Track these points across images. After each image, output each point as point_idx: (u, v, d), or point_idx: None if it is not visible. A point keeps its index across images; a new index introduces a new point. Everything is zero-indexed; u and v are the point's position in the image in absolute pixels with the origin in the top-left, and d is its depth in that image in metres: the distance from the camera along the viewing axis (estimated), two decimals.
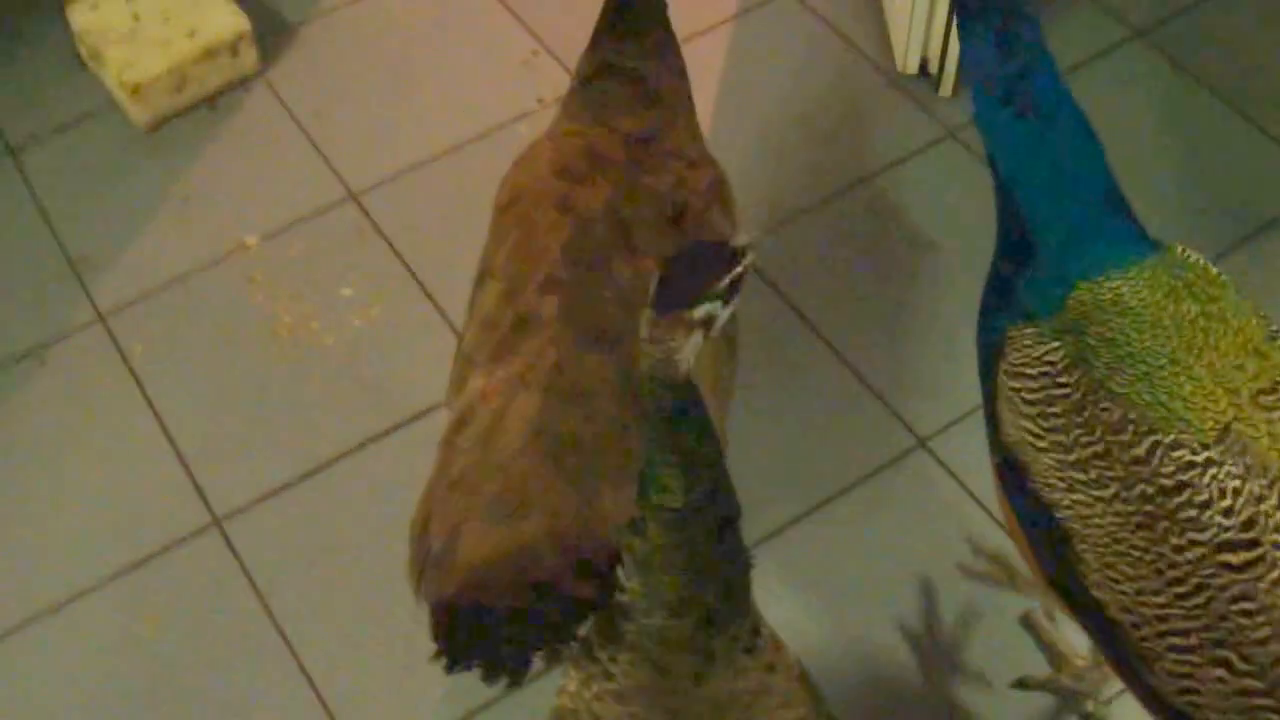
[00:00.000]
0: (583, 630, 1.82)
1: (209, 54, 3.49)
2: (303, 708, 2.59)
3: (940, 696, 2.58)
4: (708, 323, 1.44)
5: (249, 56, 3.55)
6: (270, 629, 2.67)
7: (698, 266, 1.44)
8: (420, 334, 3.07)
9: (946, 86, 3.45)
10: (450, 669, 1.85)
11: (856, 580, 2.71)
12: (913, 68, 3.48)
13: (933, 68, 3.46)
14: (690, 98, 2.42)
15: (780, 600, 2.66)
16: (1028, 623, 2.63)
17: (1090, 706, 2.54)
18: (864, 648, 2.63)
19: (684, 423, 1.51)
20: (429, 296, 3.14)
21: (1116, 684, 2.39)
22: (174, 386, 3.02)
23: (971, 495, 2.78)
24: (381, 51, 3.65)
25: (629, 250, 2.10)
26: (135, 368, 3.05)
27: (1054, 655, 2.58)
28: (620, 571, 1.66)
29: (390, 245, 3.24)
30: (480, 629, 1.82)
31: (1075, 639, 2.49)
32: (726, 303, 1.46)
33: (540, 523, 1.84)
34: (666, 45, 2.39)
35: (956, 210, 3.25)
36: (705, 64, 3.52)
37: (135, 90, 3.41)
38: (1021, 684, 2.54)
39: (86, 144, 3.47)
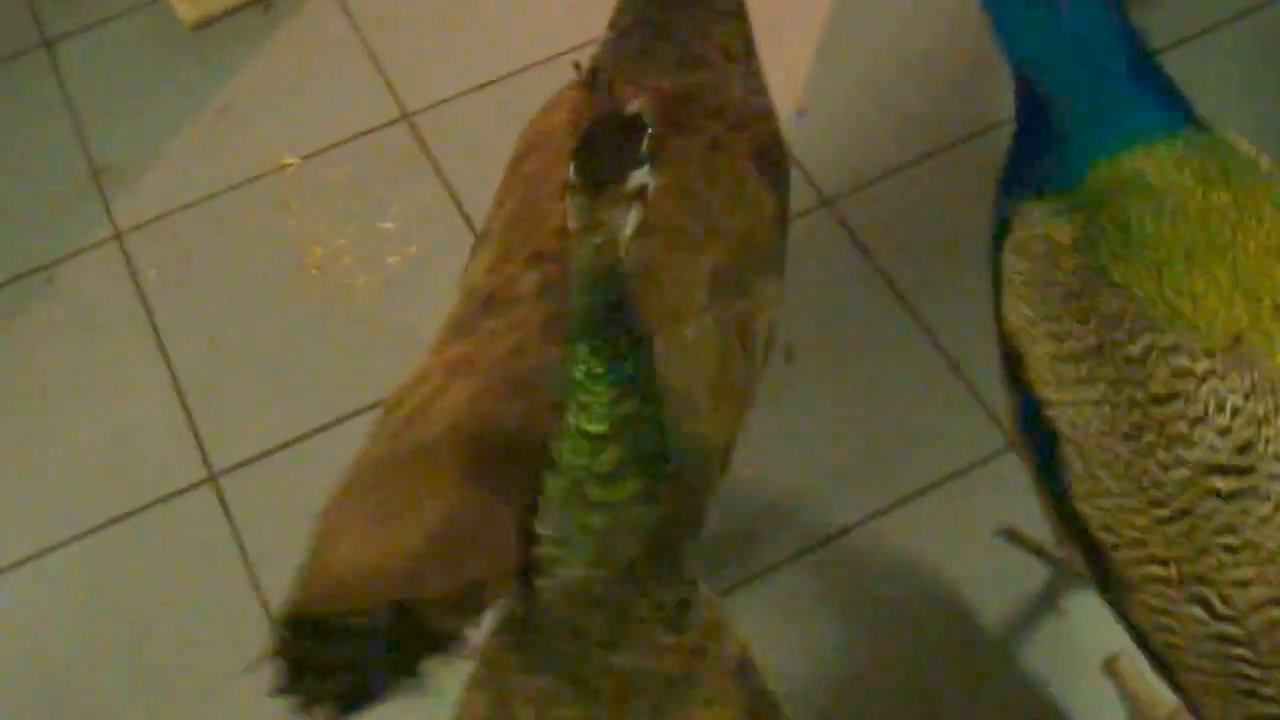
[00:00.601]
0: (431, 664, 1.57)
1: None
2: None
3: None
4: (642, 192, 1.38)
5: None
6: (254, 602, 2.42)
7: (611, 140, 1.39)
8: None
9: None
10: (281, 689, 1.56)
11: (928, 590, 2.39)
12: None
13: None
14: (751, 43, 2.07)
15: (843, 603, 2.38)
16: (1111, 670, 2.29)
17: None
18: (927, 663, 2.31)
19: (620, 322, 1.40)
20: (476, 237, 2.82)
21: None
22: (185, 319, 2.76)
23: None
24: None
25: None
26: (147, 295, 2.79)
27: (1135, 707, 2.26)
28: (537, 524, 1.48)
29: (440, 175, 2.92)
30: (316, 647, 1.54)
31: (1160, 692, 2.14)
32: (651, 167, 1.40)
33: (425, 531, 1.57)
34: None
35: None
36: (810, 1, 3.14)
37: None
38: None
39: (127, 40, 3.21)
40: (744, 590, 2.38)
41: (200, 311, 2.76)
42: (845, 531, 2.45)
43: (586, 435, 1.42)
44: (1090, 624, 2.30)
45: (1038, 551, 2.41)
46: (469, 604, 1.56)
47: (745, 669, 1.64)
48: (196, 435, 2.59)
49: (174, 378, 2.67)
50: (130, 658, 2.38)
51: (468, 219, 2.84)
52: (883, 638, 2.34)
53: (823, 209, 2.80)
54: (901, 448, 2.54)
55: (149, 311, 2.76)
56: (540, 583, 1.51)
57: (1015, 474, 2.43)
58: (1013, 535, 2.43)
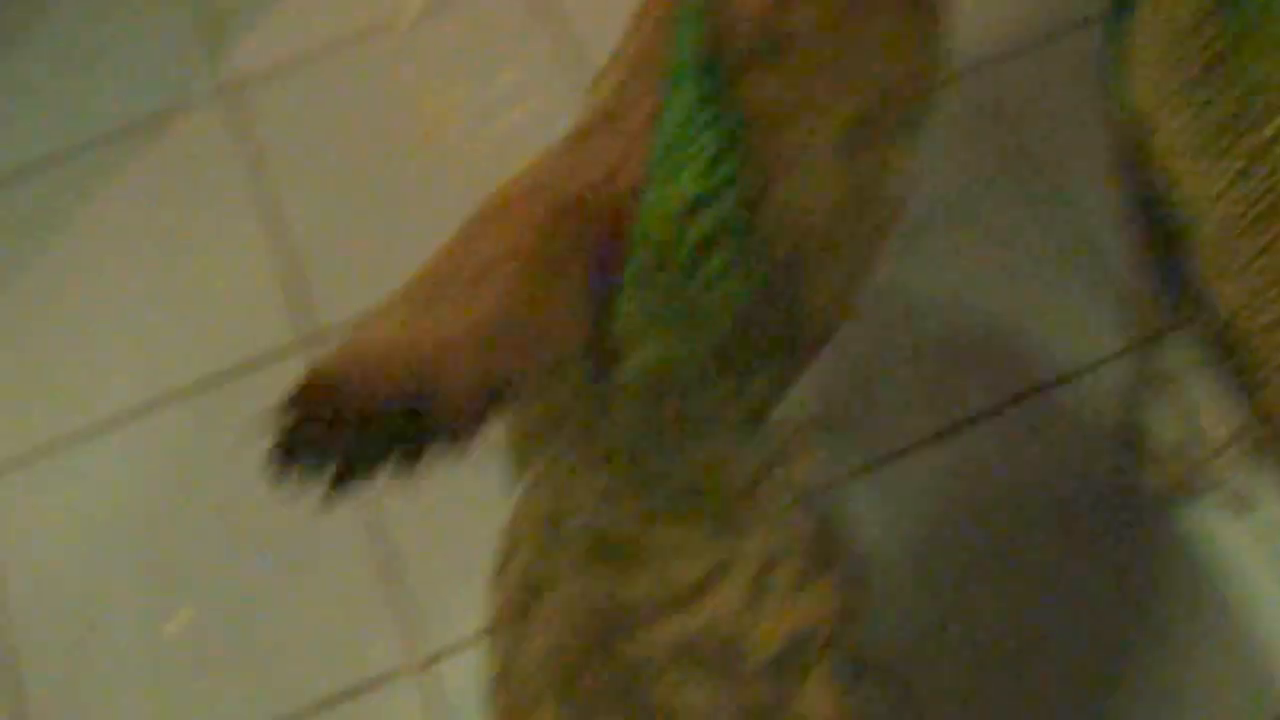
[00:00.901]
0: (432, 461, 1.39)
1: None
2: (372, 567, 2.29)
3: None
4: None
5: None
6: None
7: None
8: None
9: None
10: (276, 460, 1.46)
11: (1036, 495, 2.21)
12: None
13: None
14: None
15: (949, 502, 2.23)
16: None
17: None
18: (1035, 573, 2.16)
19: (726, 71, 1.35)
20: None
21: None
22: (293, 177, 2.66)
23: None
24: None
25: (779, 55, 1.64)
26: (256, 151, 2.69)
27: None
28: (619, 299, 1.40)
29: (567, 27, 2.77)
30: (317, 423, 1.44)
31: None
32: None
33: (464, 315, 1.41)
34: None
35: None
36: None
37: None
38: None
39: None
40: (858, 479, 2.25)
41: (310, 169, 2.67)
42: (962, 425, 2.28)
43: (681, 194, 1.36)
44: (1205, 542, 2.14)
45: (1156, 461, 2.26)
46: (490, 401, 1.43)
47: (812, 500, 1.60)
48: (301, 301, 2.51)
49: (280, 239, 2.58)
50: (219, 522, 2.35)
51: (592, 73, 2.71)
52: (992, 539, 2.19)
53: (968, 74, 2.60)
54: (1026, 337, 2.36)
55: (257, 167, 2.67)
56: (615, 363, 1.44)
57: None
58: (1133, 443, 2.27)
